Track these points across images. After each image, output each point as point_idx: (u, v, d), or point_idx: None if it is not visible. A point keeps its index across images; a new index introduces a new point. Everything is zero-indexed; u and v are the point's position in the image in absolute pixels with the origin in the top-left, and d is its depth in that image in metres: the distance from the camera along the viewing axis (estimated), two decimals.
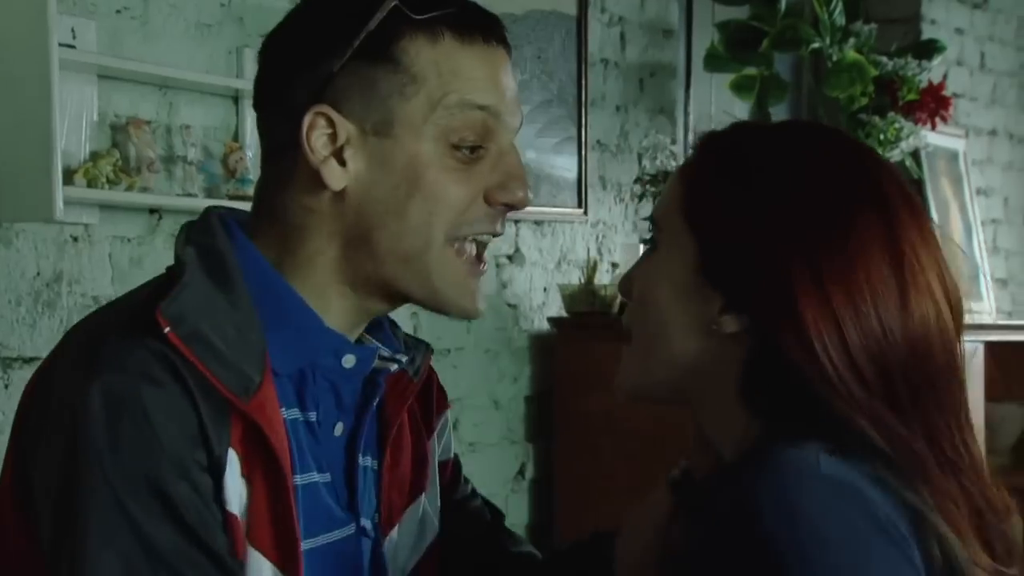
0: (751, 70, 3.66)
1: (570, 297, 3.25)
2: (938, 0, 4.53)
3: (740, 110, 3.79)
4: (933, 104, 3.64)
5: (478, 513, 1.40)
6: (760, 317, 1.06)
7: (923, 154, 3.91)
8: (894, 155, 3.61)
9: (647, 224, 3.40)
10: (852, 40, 3.66)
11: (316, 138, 1.14)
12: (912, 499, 1.00)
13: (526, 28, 3.25)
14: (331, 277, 1.17)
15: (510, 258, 3.32)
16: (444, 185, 1.15)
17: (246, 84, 2.62)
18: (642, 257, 1.19)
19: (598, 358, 3.24)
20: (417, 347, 1.30)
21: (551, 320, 3.35)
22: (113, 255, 2.48)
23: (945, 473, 1.03)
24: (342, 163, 1.14)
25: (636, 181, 3.31)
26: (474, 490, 1.42)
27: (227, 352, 1.08)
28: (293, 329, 1.15)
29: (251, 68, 2.66)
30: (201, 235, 1.16)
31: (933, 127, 3.75)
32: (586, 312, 3.23)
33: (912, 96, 3.57)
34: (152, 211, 2.54)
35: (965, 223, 4.33)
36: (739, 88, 3.70)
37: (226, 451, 1.08)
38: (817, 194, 1.08)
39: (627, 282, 1.18)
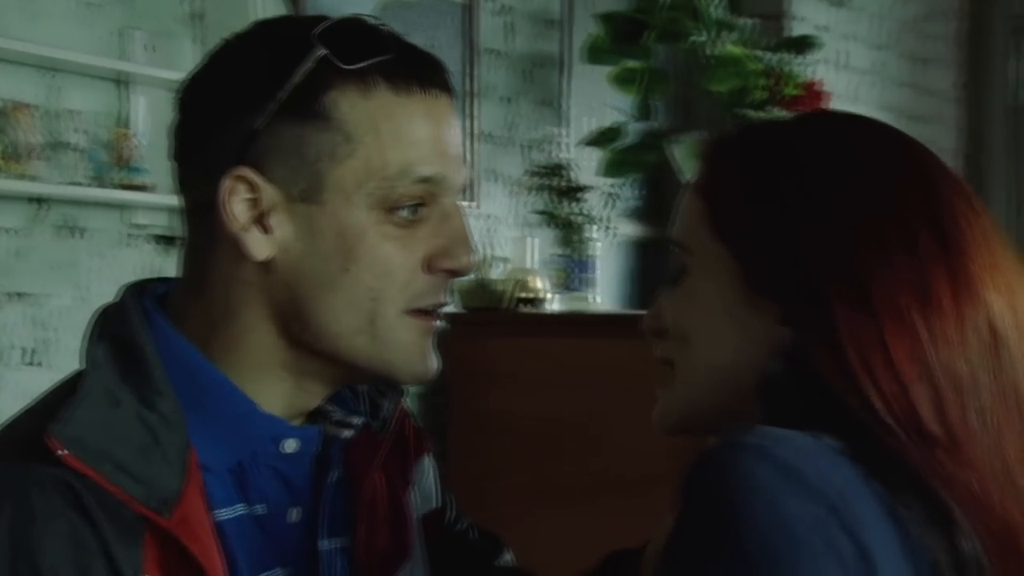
0: (631, 63, 3.64)
1: (464, 293, 3.17)
2: None
3: (618, 102, 3.76)
4: (812, 100, 3.67)
5: (469, 555, 1.29)
6: (800, 338, 0.97)
7: None
8: None
9: (539, 218, 3.35)
10: (732, 34, 3.66)
11: (235, 204, 1.02)
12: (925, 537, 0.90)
13: (416, 15, 3.17)
14: (265, 358, 1.06)
15: None
16: (384, 255, 1.04)
17: (134, 67, 2.51)
18: (665, 288, 1.09)
19: (493, 355, 3.18)
20: (385, 395, 1.19)
21: (444, 316, 3.26)
22: None
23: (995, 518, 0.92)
24: (266, 230, 1.03)
25: (532, 174, 3.25)
26: (470, 526, 1.31)
27: (138, 464, 0.97)
28: (223, 420, 1.04)
29: (139, 51, 2.55)
30: (114, 325, 1.04)
31: None
32: (480, 308, 3.15)
33: (794, 91, 3.59)
34: (36, 200, 2.39)
35: None
36: (620, 81, 3.67)
37: None
38: (858, 199, 0.98)
39: (656, 319, 1.08)
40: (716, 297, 1.03)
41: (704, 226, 1.04)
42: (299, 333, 1.05)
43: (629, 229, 3.86)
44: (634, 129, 3.62)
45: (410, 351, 1.07)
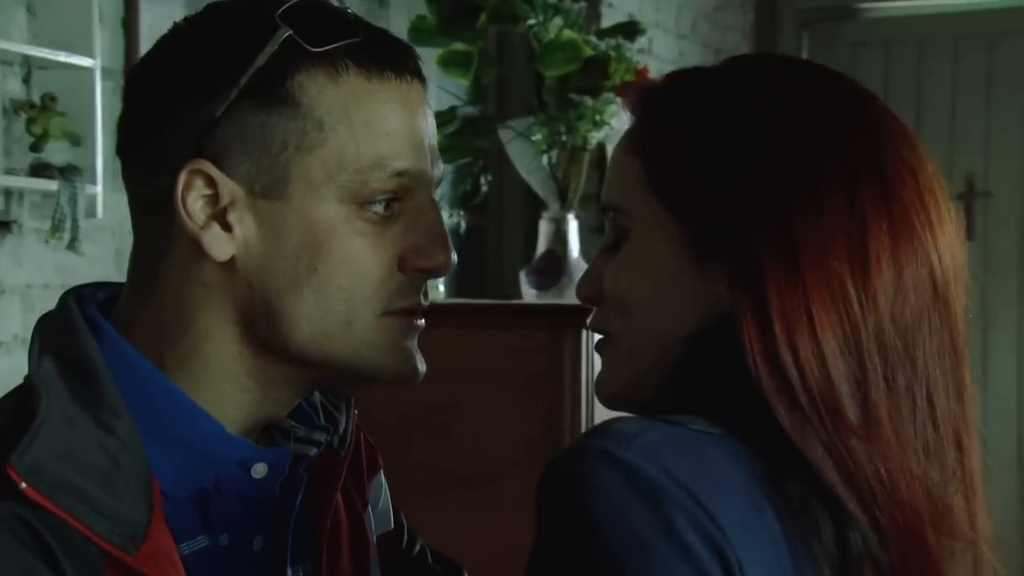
0: (459, 45, 3.56)
1: None
2: None
3: (446, 85, 3.68)
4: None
5: None
6: (736, 305, 0.92)
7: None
8: (600, 136, 3.60)
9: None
10: (560, 18, 3.62)
11: (192, 200, 0.96)
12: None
13: None
14: (227, 366, 0.98)
15: None
16: (355, 252, 0.97)
17: None
18: (601, 253, 1.02)
19: None
20: (337, 406, 1.11)
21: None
22: None
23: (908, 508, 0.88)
24: (226, 227, 0.96)
25: None
26: (423, 550, 1.24)
27: (103, 496, 0.89)
28: (185, 443, 0.96)
29: None
30: (58, 339, 0.94)
31: None
32: None
33: (629, 77, 3.58)
34: None
35: None
36: (448, 64, 3.58)
37: None
38: (798, 148, 0.93)
39: (591, 286, 1.02)
40: (661, 263, 0.97)
41: (641, 187, 0.98)
42: (265, 337, 0.97)
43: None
44: (465, 113, 3.54)
45: (391, 353, 0.99)
